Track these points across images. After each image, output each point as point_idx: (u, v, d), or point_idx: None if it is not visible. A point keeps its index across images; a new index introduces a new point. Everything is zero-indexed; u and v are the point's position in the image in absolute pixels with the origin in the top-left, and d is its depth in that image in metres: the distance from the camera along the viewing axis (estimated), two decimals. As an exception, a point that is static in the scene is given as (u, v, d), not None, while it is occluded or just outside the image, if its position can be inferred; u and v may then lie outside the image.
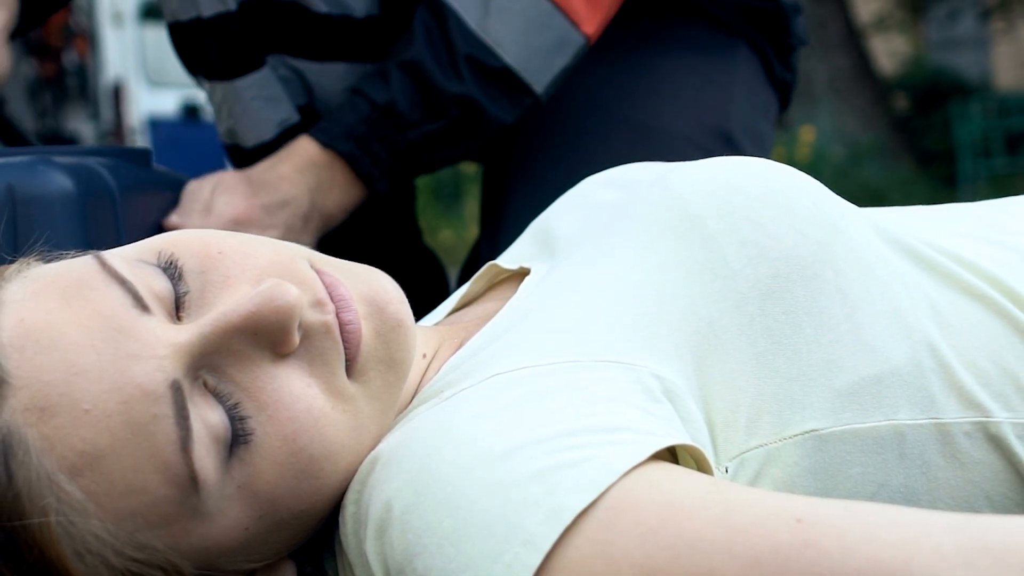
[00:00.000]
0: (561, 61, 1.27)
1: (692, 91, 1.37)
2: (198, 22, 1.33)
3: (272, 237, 1.17)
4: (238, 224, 1.21)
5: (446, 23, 1.25)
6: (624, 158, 0.96)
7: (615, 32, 1.37)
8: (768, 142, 1.43)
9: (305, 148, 1.27)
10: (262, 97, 1.35)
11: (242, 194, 1.24)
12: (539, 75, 1.26)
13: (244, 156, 1.43)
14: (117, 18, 7.58)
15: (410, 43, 1.26)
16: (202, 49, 1.37)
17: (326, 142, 1.26)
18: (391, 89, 1.26)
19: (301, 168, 1.27)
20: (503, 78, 1.25)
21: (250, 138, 1.39)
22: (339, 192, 1.27)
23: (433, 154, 1.28)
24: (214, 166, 1.44)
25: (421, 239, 1.68)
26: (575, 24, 1.26)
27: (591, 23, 1.27)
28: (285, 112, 1.37)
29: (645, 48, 1.40)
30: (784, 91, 1.52)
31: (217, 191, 1.24)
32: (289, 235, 1.24)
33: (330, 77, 1.38)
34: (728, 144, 1.34)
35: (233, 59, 1.35)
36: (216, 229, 1.14)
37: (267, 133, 1.39)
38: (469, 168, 5.87)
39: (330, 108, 1.34)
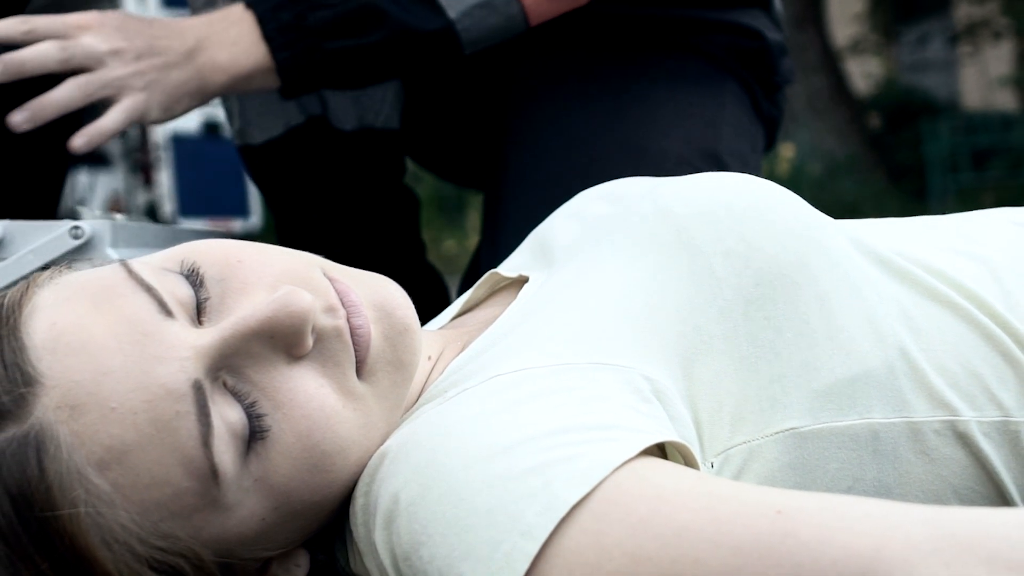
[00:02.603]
0: None
1: (683, 117, 1.37)
2: None
3: (118, 59, 1.14)
4: (79, 27, 1.16)
5: None
6: (619, 176, 0.96)
7: (615, 65, 1.38)
8: (754, 170, 1.43)
9: (227, 9, 1.24)
10: (271, 97, 1.35)
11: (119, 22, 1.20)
12: (453, 1, 1.23)
13: (253, 153, 1.43)
14: (143, 41, 7.56)
15: None
16: None
17: (248, 2, 1.24)
18: None
19: (211, 19, 1.23)
20: None
21: (259, 135, 1.39)
22: (240, 47, 1.21)
23: (336, 42, 1.23)
24: (233, 179, 1.45)
25: (424, 256, 1.68)
26: None
27: None
28: (292, 113, 1.37)
29: (642, 80, 1.40)
30: (770, 126, 1.52)
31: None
32: (164, 67, 1.19)
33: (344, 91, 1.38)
34: (716, 164, 1.34)
35: None
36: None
37: (275, 130, 1.39)
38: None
39: None
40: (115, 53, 1.16)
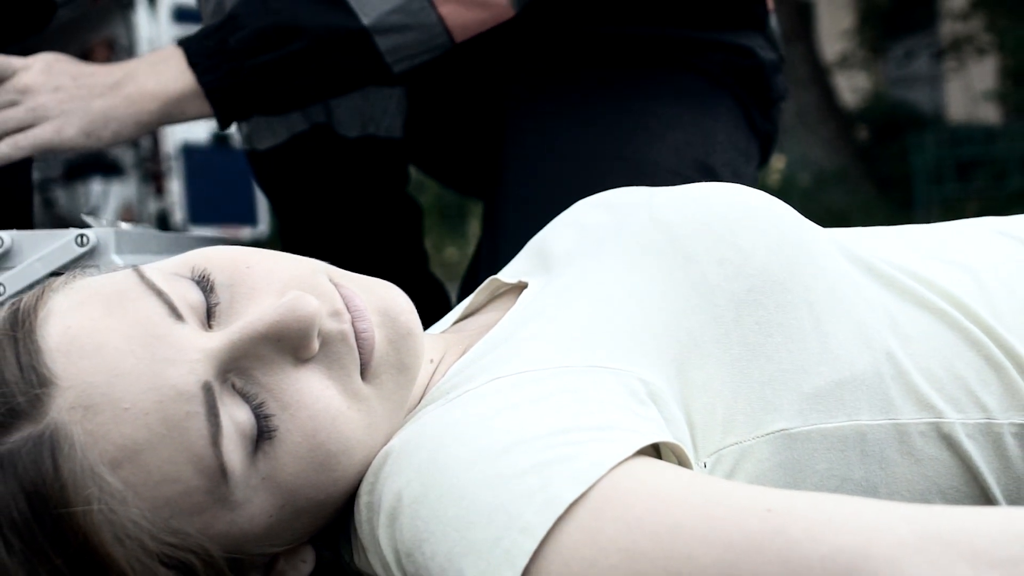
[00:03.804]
0: (393, 0, 1.22)
1: (678, 130, 1.37)
2: None
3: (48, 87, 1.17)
4: (13, 68, 1.20)
5: None
6: (615, 186, 0.96)
7: (612, 80, 1.38)
8: (748, 181, 1.43)
9: (158, 50, 1.27)
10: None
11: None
12: (367, 8, 1.22)
13: (259, 158, 1.43)
14: (154, 56, 7.58)
15: None
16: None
17: (178, 41, 1.26)
18: (237, 5, 1.25)
19: (143, 57, 1.26)
20: (330, 1, 1.22)
21: (263, 141, 1.39)
22: (168, 74, 1.24)
23: (257, 58, 1.23)
24: (242, 188, 1.46)
25: (427, 265, 1.68)
26: None
27: None
28: (297, 122, 1.37)
29: (638, 94, 1.40)
30: (765, 140, 1.52)
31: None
32: (88, 94, 1.22)
33: (350, 98, 1.39)
34: (710, 176, 1.34)
35: None
36: None
37: (279, 137, 1.39)
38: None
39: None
40: (29, 89, 1.20)
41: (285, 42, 1.22)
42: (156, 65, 1.24)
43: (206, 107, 1.24)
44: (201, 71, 1.22)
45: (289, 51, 1.22)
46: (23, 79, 1.20)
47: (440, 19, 1.24)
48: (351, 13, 1.22)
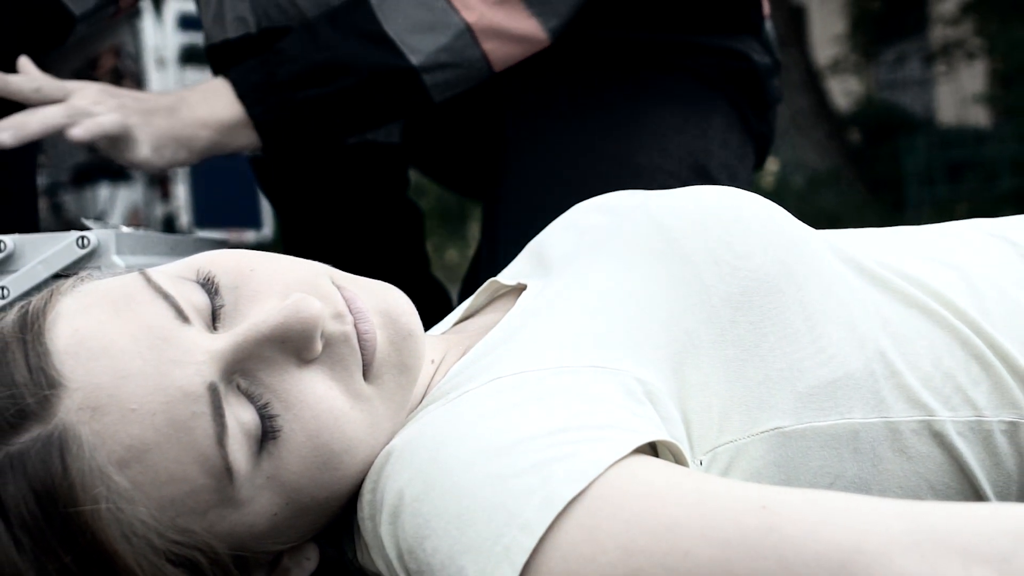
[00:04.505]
0: (439, 40, 1.26)
1: (674, 133, 1.37)
2: (226, 43, 1.35)
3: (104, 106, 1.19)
4: (73, 91, 1.21)
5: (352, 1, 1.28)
6: (612, 189, 0.96)
7: (609, 84, 1.38)
8: (743, 184, 1.43)
9: (207, 81, 1.30)
10: None
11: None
12: (414, 46, 1.25)
13: (262, 163, 1.43)
14: (161, 62, 7.59)
15: (323, 13, 1.29)
16: (231, 67, 1.38)
17: (222, 73, 1.28)
18: (286, 38, 1.27)
19: (189, 88, 1.29)
20: (379, 41, 1.25)
21: None
22: (218, 104, 1.26)
23: (307, 92, 1.26)
24: (246, 192, 1.46)
25: (428, 268, 1.68)
26: (455, 9, 1.26)
27: (475, 12, 1.26)
28: None
29: (635, 98, 1.40)
30: (761, 143, 1.52)
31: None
32: (145, 114, 1.23)
33: None
34: (705, 178, 1.34)
35: None
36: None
37: None
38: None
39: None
40: (99, 102, 1.21)
41: (334, 78, 1.25)
42: (206, 94, 1.27)
43: (254, 137, 1.27)
44: (250, 103, 1.25)
45: (338, 87, 1.26)
46: (80, 101, 1.21)
47: (483, 55, 1.28)
48: (400, 54, 1.25)
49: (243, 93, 1.26)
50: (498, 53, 1.28)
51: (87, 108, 1.20)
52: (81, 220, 1.11)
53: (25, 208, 1.33)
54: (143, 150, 1.23)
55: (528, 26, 1.28)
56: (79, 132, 1.18)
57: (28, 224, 1.26)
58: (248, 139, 1.28)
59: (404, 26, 1.25)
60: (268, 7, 1.31)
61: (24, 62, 1.23)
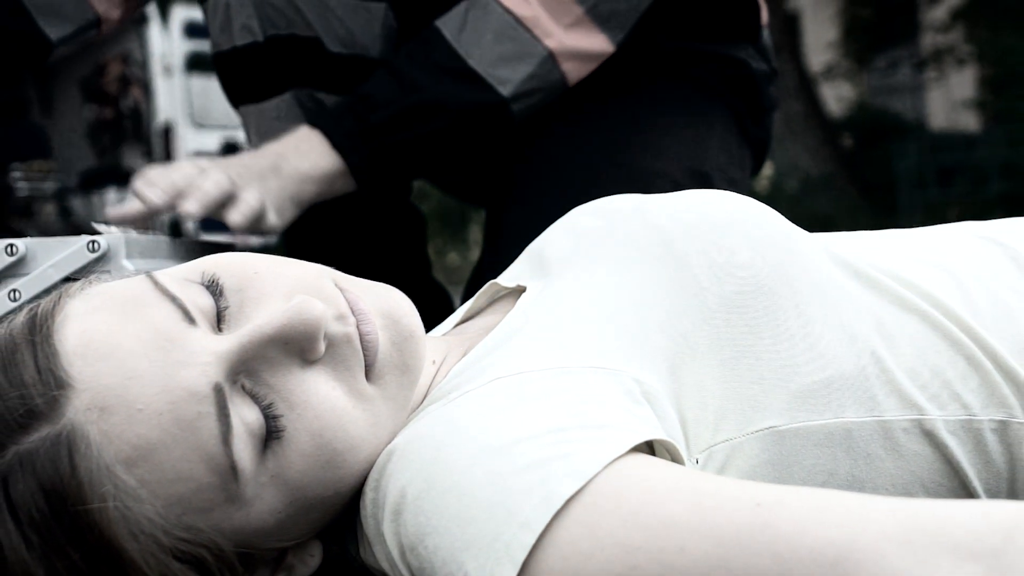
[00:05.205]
0: (526, 69, 1.28)
1: (674, 138, 1.38)
2: (234, 51, 1.36)
3: (221, 176, 1.18)
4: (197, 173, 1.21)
5: (430, 36, 1.28)
6: (612, 193, 0.96)
7: (611, 91, 1.38)
8: (741, 188, 1.44)
9: (292, 132, 1.29)
10: (284, 118, 1.37)
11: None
12: (503, 78, 1.27)
13: None
14: (167, 70, 7.60)
15: (399, 54, 1.30)
16: (237, 76, 1.40)
17: (310, 121, 1.29)
18: (370, 82, 1.28)
19: (279, 142, 1.28)
20: (467, 77, 1.26)
21: None
22: (315, 156, 1.26)
23: (400, 135, 1.27)
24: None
25: (430, 271, 1.68)
26: (537, 37, 1.28)
27: (555, 38, 1.28)
28: None
29: (636, 104, 1.41)
30: (758, 148, 1.52)
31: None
32: (259, 177, 1.23)
33: None
34: (706, 184, 1.35)
35: (261, 84, 1.37)
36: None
37: None
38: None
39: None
40: (227, 177, 1.21)
41: (428, 119, 1.27)
42: (299, 147, 1.27)
43: (352, 183, 1.29)
44: (347, 152, 1.26)
45: (432, 128, 1.27)
46: (216, 178, 1.19)
47: (562, 75, 1.31)
48: (490, 88, 1.27)
49: (338, 143, 1.26)
50: (574, 72, 1.32)
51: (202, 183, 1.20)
52: (92, 224, 1.11)
53: None
54: (271, 217, 1.23)
55: (599, 42, 1.32)
56: (236, 217, 1.18)
57: None
58: (346, 186, 1.29)
59: (488, 60, 1.27)
60: (274, 16, 1.32)
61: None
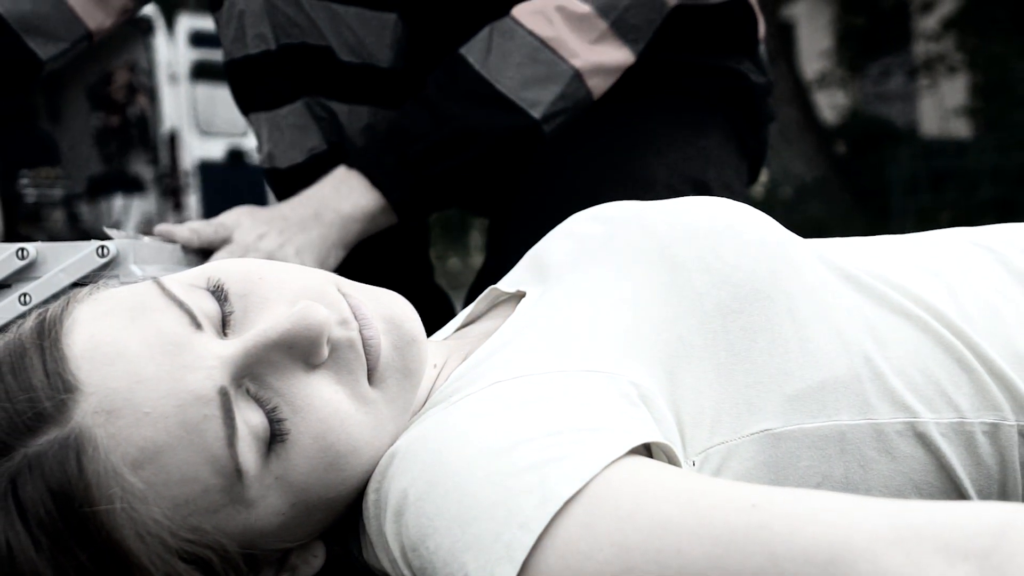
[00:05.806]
0: (555, 90, 1.28)
1: (674, 149, 1.39)
2: (247, 59, 1.36)
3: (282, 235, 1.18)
4: (227, 227, 1.21)
5: (455, 65, 1.28)
6: (612, 200, 0.96)
7: (613, 102, 1.39)
8: (738, 197, 1.44)
9: (330, 174, 1.29)
10: (295, 126, 1.38)
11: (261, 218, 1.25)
12: (533, 100, 1.27)
13: (279, 176, 1.44)
14: (173, 78, 7.61)
15: (426, 84, 1.30)
16: (249, 83, 1.39)
17: (348, 162, 1.29)
18: (401, 114, 1.28)
19: (316, 187, 1.28)
20: (499, 103, 1.26)
21: (284, 160, 1.40)
22: (357, 196, 1.27)
23: (438, 166, 1.27)
24: (255, 202, 1.45)
25: (432, 276, 1.68)
26: (563, 58, 1.28)
27: (581, 57, 1.28)
28: (315, 140, 1.39)
29: (636, 115, 1.41)
30: (755, 159, 1.53)
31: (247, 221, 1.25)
32: (300, 228, 1.23)
33: (358, 118, 1.39)
34: (703, 191, 1.35)
35: (274, 92, 1.37)
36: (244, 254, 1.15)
37: (299, 156, 1.40)
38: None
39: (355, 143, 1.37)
40: (262, 236, 1.22)
41: (464, 149, 1.27)
42: (339, 189, 1.27)
43: (393, 217, 1.29)
44: (388, 190, 1.26)
45: (468, 157, 1.28)
46: (246, 236, 1.21)
47: (589, 91, 1.31)
48: (521, 111, 1.27)
49: (378, 181, 1.26)
50: (599, 87, 1.32)
51: (254, 244, 1.21)
52: (103, 229, 1.11)
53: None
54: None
55: (621, 55, 1.32)
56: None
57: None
58: (388, 220, 1.29)
59: (516, 83, 1.27)
60: (287, 25, 1.32)
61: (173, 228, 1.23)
